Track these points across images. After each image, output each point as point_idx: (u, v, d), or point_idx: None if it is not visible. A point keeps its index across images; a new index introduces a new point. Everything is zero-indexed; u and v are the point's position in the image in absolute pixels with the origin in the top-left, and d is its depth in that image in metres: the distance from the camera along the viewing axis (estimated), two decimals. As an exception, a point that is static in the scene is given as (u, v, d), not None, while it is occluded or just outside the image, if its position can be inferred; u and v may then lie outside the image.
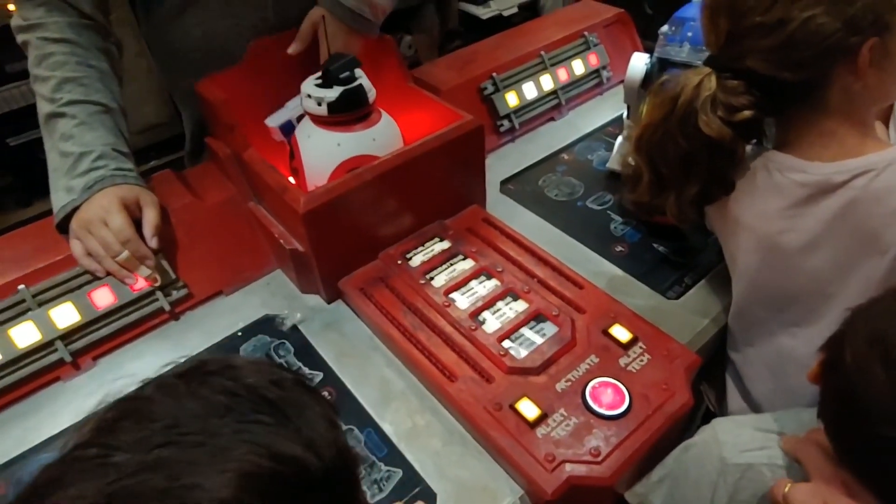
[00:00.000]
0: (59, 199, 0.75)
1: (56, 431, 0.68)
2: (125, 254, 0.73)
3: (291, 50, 0.86)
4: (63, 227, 0.76)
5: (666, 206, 0.71)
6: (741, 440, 0.59)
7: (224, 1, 0.88)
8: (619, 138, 1.01)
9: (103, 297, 0.74)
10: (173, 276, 0.79)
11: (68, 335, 0.73)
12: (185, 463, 0.30)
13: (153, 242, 0.76)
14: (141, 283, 0.76)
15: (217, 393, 0.33)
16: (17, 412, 0.71)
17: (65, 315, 0.72)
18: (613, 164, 0.99)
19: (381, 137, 0.83)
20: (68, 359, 0.72)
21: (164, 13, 0.91)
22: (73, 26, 0.79)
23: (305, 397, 0.36)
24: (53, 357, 0.72)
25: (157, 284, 0.76)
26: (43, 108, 0.77)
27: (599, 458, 0.59)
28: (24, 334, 0.70)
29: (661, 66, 0.82)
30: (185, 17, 0.90)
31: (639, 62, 0.86)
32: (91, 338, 0.74)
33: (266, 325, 0.79)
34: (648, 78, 0.85)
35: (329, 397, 0.70)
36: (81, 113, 0.77)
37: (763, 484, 0.55)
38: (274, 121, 0.87)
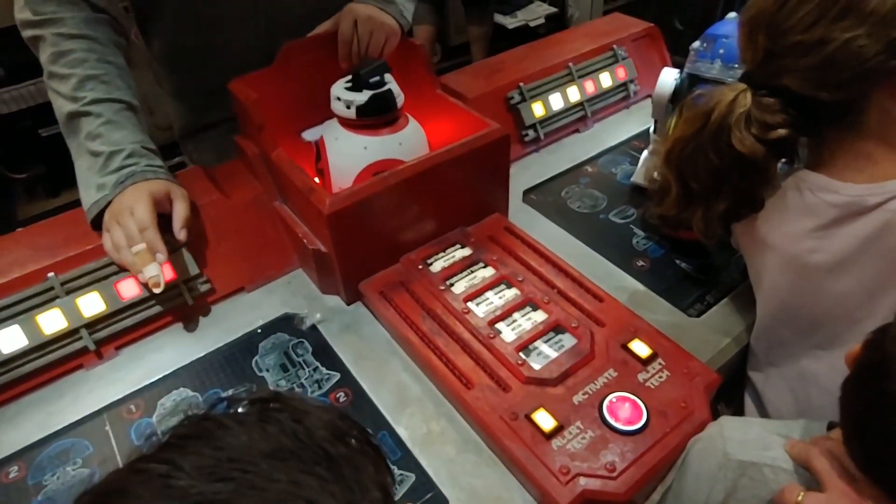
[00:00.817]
0: (90, 196, 0.76)
1: (77, 418, 0.70)
2: (142, 245, 0.72)
3: (324, 26, 0.90)
4: (97, 223, 0.77)
5: (692, 221, 0.70)
6: (747, 438, 0.58)
7: (216, 17, 0.89)
8: (645, 153, 1.00)
9: (129, 289, 0.76)
10: (197, 271, 0.80)
11: (93, 324, 0.74)
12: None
13: (182, 235, 0.77)
14: (150, 276, 0.71)
15: (285, 435, 0.33)
16: (40, 397, 0.72)
17: (91, 304, 0.74)
18: (638, 178, 0.99)
19: (408, 142, 0.84)
20: (92, 347, 0.74)
21: (156, 20, 0.92)
22: (89, 22, 0.78)
23: (365, 460, 0.36)
24: (78, 345, 0.73)
25: (159, 290, 0.72)
26: (64, 107, 0.76)
27: (615, 474, 0.59)
28: (51, 321, 0.72)
29: (690, 81, 0.82)
30: (178, 28, 0.91)
31: (668, 77, 0.85)
32: (115, 328, 0.75)
33: (286, 323, 0.80)
34: (677, 93, 0.84)
35: (345, 399, 0.70)
36: (107, 111, 0.76)
37: (764, 484, 0.54)
38: (311, 135, 0.88)
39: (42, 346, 0.72)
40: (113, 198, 0.75)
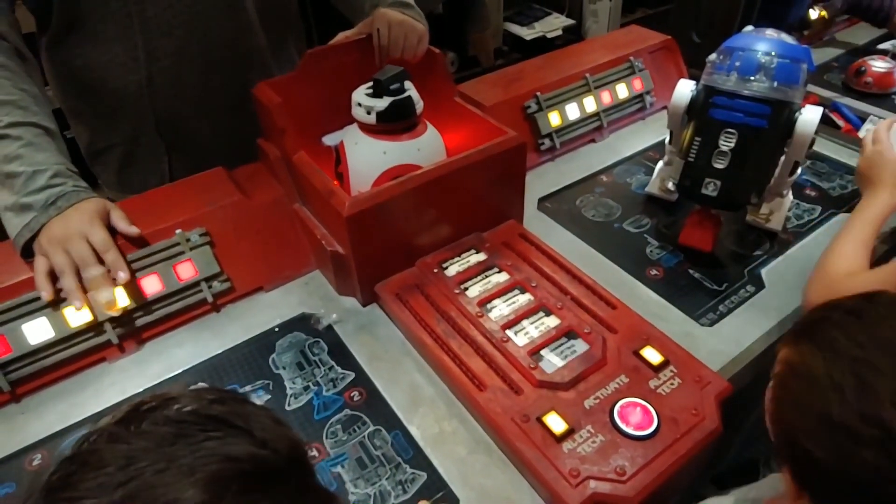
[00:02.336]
0: (16, 220, 0.71)
1: (98, 409, 0.72)
2: (100, 269, 0.71)
3: (349, 33, 0.92)
4: (27, 249, 0.72)
5: None
6: None
7: (98, 37, 0.88)
8: (660, 163, 1.01)
9: (152, 285, 0.78)
10: (218, 269, 0.82)
11: (117, 318, 0.76)
12: (155, 487, 0.31)
13: (132, 229, 0.75)
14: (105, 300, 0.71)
15: (161, 425, 0.34)
16: (64, 388, 0.74)
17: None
18: (653, 188, 1.00)
19: (426, 148, 0.85)
20: (115, 341, 0.76)
21: (49, 38, 0.90)
22: None
23: (248, 406, 0.37)
24: (102, 338, 0.75)
25: (116, 313, 0.72)
26: None
27: (625, 478, 0.59)
28: (77, 314, 0.73)
29: (706, 93, 0.83)
30: (66, 46, 0.89)
31: (685, 88, 0.86)
32: (138, 323, 0.77)
33: (302, 323, 0.81)
34: (693, 104, 0.85)
35: (359, 398, 0.72)
36: (26, 134, 0.72)
37: None
38: (331, 140, 0.90)
39: (67, 339, 0.74)
40: (47, 221, 0.71)
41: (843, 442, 0.46)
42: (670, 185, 0.92)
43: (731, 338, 0.78)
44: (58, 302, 0.73)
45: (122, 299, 0.75)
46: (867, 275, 0.73)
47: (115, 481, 0.31)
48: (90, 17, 0.86)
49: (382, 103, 0.82)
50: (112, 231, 0.75)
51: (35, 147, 0.73)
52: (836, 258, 0.76)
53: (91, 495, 0.31)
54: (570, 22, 3.14)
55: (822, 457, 0.47)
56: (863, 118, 1.25)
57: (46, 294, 0.71)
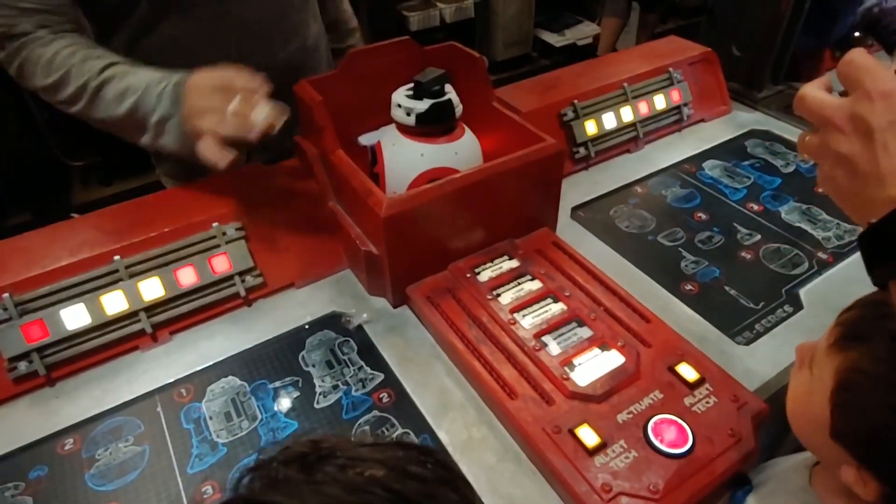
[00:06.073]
0: (165, 138, 0.76)
1: (131, 397, 0.72)
2: (241, 98, 0.69)
3: None
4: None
5: None
6: None
7: (186, 39, 0.87)
8: None
9: (187, 276, 0.78)
10: (251, 264, 0.82)
11: (151, 308, 0.77)
12: None
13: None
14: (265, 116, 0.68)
15: (344, 491, 0.28)
16: (98, 374, 0.75)
17: (151, 289, 0.76)
18: None
19: (464, 152, 0.85)
20: (149, 330, 0.77)
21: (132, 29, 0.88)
22: (57, 29, 0.78)
23: (444, 490, 0.32)
24: (136, 327, 0.76)
25: (276, 129, 0.69)
26: (80, 99, 0.77)
27: (657, 496, 0.58)
28: (114, 302, 0.75)
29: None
30: (154, 33, 0.88)
31: None
32: (171, 313, 0.78)
33: (333, 321, 0.81)
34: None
35: (388, 399, 0.71)
36: (119, 68, 0.77)
37: None
38: (367, 140, 0.90)
39: (103, 326, 0.75)
40: (179, 112, 0.73)
41: None
42: None
43: (767, 358, 0.76)
44: (95, 289, 0.74)
45: (158, 290, 0.76)
46: None
47: None
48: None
49: (422, 105, 0.82)
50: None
51: (132, 73, 0.76)
52: None
53: None
54: (600, 30, 3.13)
55: None
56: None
57: (223, 162, 0.69)
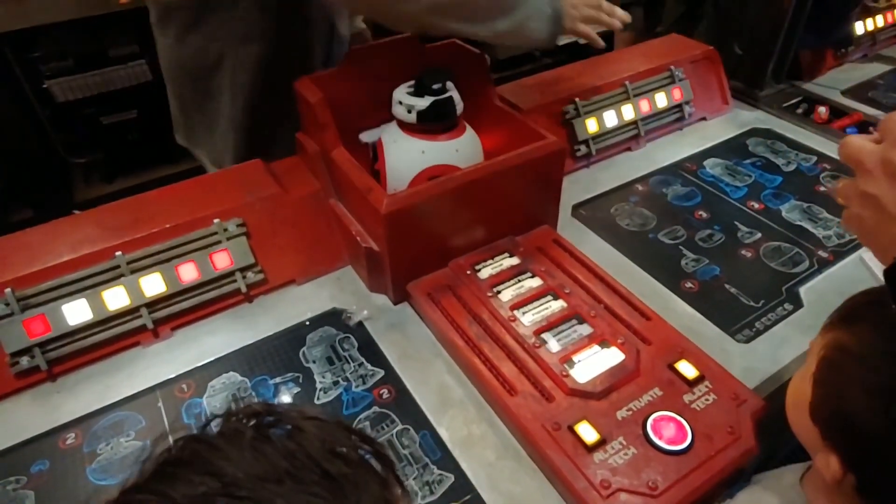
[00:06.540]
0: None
1: (132, 392, 0.73)
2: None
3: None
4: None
5: None
6: None
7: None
8: None
9: (188, 272, 0.79)
10: (252, 260, 0.82)
11: (153, 303, 0.77)
12: None
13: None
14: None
15: (280, 454, 0.32)
16: (99, 369, 0.75)
17: (153, 284, 0.77)
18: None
19: (465, 149, 0.85)
20: (150, 326, 0.77)
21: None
22: None
23: (368, 476, 0.34)
24: (137, 322, 0.76)
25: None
26: None
27: (657, 493, 0.58)
28: (115, 298, 0.75)
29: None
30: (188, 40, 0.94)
31: None
32: (172, 309, 0.78)
33: (333, 318, 0.81)
34: None
35: (388, 396, 0.71)
36: None
37: None
38: (368, 137, 0.91)
39: (105, 321, 0.75)
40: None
41: None
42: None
43: (767, 356, 0.76)
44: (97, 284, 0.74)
45: (159, 286, 0.77)
46: None
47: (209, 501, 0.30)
48: None
49: (424, 102, 0.82)
50: None
51: None
52: None
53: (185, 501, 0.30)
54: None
55: (880, 431, 0.48)
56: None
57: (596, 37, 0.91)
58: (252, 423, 0.34)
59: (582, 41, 0.92)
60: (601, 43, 0.91)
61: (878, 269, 0.79)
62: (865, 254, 0.88)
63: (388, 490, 0.35)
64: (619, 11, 0.92)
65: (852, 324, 0.55)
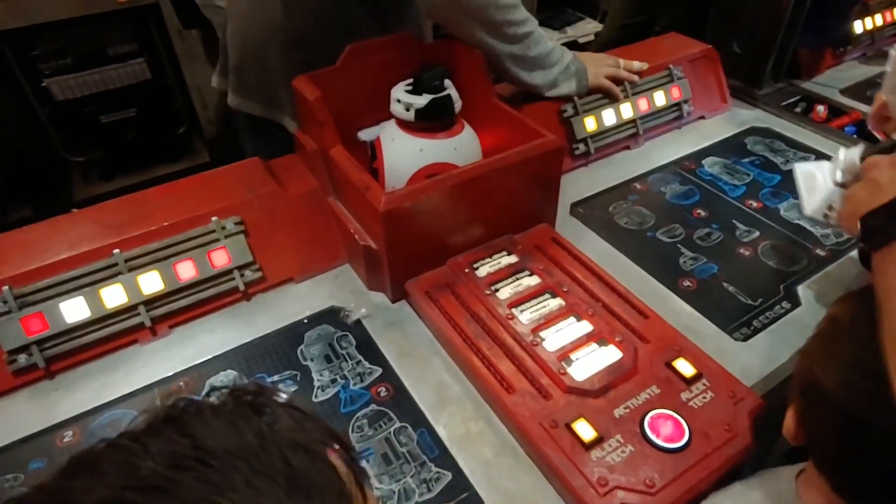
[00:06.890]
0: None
1: (129, 390, 0.73)
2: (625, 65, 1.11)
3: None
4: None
5: None
6: None
7: None
8: (841, 152, 0.71)
9: (186, 270, 0.78)
10: (251, 259, 0.82)
11: (151, 301, 0.77)
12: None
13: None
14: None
15: (252, 435, 0.33)
16: (97, 367, 0.75)
17: (151, 282, 0.77)
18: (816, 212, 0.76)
19: (463, 147, 0.85)
20: (148, 324, 0.77)
21: None
22: None
23: (330, 485, 0.34)
24: (135, 320, 0.76)
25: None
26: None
27: (654, 490, 0.58)
28: (113, 296, 0.75)
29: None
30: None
31: None
32: (170, 307, 0.78)
33: (331, 316, 0.82)
34: None
35: (386, 394, 0.72)
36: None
37: None
38: (366, 135, 0.91)
39: (103, 319, 0.75)
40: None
41: (871, 389, 0.48)
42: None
43: (765, 354, 0.76)
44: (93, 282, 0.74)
45: (157, 284, 0.77)
46: None
47: (176, 462, 0.30)
48: None
49: (422, 100, 0.82)
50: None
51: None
52: None
53: (154, 455, 0.31)
54: (601, 27, 3.12)
55: (848, 404, 0.51)
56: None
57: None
58: (239, 398, 0.36)
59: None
60: (620, 95, 1.10)
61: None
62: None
63: (344, 499, 0.35)
64: (636, 64, 1.11)
65: (851, 302, 0.58)
